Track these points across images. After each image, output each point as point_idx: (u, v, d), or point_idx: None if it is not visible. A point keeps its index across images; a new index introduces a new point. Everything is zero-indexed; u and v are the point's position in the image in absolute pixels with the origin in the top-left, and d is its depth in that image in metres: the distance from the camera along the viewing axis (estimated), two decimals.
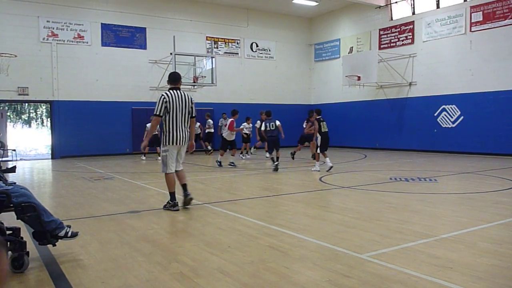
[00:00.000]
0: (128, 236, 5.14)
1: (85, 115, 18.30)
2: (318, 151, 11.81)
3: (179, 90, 6.65)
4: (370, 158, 16.11)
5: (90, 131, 18.38)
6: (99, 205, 7.25)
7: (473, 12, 16.60)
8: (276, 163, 11.87)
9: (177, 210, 6.52)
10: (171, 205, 6.60)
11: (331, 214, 6.33)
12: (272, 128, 12.15)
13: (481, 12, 16.34)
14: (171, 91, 6.57)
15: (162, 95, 6.49)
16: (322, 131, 11.61)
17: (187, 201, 6.74)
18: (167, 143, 6.54)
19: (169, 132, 6.51)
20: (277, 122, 12.20)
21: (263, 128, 12.46)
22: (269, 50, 23.21)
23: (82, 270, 3.94)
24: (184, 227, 5.53)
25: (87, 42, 18.38)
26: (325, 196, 7.96)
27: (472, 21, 16.62)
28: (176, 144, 6.54)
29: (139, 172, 12.59)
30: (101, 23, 18.68)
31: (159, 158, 12.90)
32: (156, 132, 12.73)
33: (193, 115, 6.79)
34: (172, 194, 6.64)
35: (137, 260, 4.21)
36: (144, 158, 16.80)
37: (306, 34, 24.59)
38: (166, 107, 6.45)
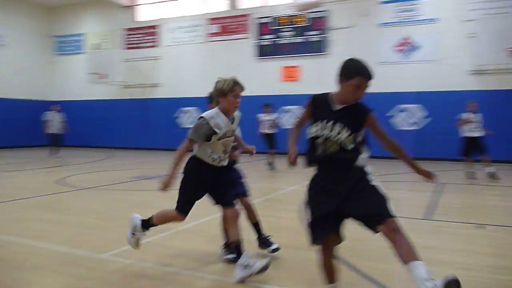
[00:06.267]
0: None
1: None
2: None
3: None
4: (116, 157, 15.99)
5: None
6: None
7: (210, 24, 18.40)
8: None
9: None
10: None
11: (70, 217, 6.05)
12: None
13: (218, 25, 18.27)
14: None
15: None
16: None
17: None
18: None
19: None
20: None
21: None
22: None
23: None
24: None
25: None
26: (64, 199, 7.51)
27: (210, 32, 18.41)
28: None
29: None
30: None
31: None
32: None
33: None
34: None
35: None
36: None
37: (45, 24, 22.28)
38: None
